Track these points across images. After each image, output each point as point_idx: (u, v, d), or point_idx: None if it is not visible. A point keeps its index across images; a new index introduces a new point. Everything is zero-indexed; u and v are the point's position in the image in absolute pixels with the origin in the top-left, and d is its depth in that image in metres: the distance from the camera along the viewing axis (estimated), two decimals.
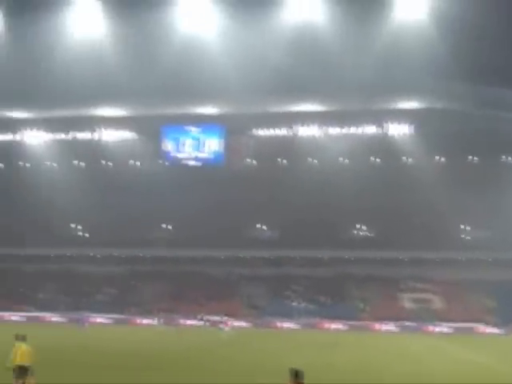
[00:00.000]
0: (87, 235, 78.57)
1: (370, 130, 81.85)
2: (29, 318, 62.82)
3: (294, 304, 66.81)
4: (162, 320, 60.58)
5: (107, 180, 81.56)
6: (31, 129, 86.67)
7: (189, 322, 62.00)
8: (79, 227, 79.64)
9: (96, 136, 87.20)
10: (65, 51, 71.64)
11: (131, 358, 30.24)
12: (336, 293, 67.75)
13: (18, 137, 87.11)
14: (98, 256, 74.52)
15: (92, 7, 72.92)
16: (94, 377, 22.45)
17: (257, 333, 53.54)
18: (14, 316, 63.57)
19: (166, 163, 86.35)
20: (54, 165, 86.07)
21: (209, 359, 30.56)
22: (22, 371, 15.44)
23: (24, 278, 72.25)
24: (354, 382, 22.34)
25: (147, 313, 64.17)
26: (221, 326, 48.51)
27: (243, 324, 61.39)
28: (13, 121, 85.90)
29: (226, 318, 50.58)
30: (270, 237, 75.03)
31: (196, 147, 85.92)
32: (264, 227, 77.05)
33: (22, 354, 15.62)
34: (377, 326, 61.86)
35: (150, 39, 72.36)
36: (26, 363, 15.51)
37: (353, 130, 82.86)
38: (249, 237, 74.64)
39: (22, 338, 16.07)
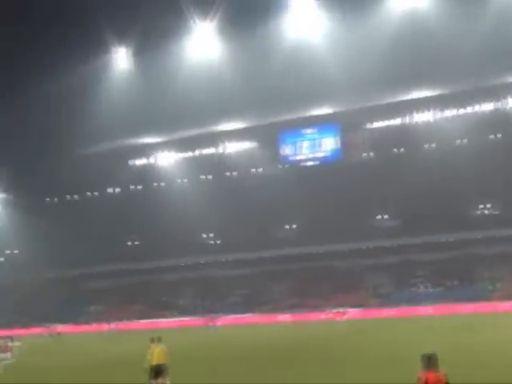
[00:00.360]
0: (218, 242, 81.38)
1: (487, 106, 77.20)
2: (172, 323, 65.93)
3: (421, 290, 64.44)
4: (290, 315, 61.32)
5: (233, 189, 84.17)
6: (162, 151, 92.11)
7: (316, 315, 61.86)
8: (211, 235, 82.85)
9: (220, 150, 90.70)
10: (185, 76, 75.89)
11: (261, 352, 31.05)
12: (463, 275, 64.15)
13: (151, 160, 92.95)
14: (230, 260, 76.79)
15: (206, 31, 76.78)
16: (223, 370, 23.87)
17: (385, 321, 51.77)
18: (159, 322, 66.88)
19: (286, 166, 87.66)
20: (185, 181, 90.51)
21: (342, 349, 30.02)
22: (158, 369, 16.64)
23: (166, 286, 76.49)
24: (493, 364, 20.69)
25: (277, 310, 65.05)
26: (337, 318, 47.68)
27: (370, 313, 60.20)
28: (145, 146, 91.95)
29: (341, 310, 49.65)
30: (391, 225, 72.87)
31: (313, 148, 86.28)
32: (385, 216, 75.02)
33: (158, 354, 16.84)
34: (509, 305, 57.61)
35: (261, 50, 74.39)
36: (161, 362, 16.74)
37: (469, 109, 78.76)
38: (371, 227, 73.04)
39: (157, 340, 17.34)
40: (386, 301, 63.59)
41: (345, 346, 31.40)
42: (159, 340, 17.42)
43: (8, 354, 29.89)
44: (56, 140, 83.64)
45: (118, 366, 28.43)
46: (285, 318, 62.00)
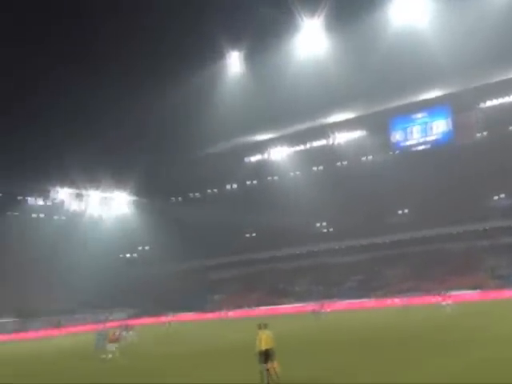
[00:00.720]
0: (332, 230, 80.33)
1: None
2: (288, 309, 65.83)
3: None
4: (404, 300, 58.89)
5: (344, 178, 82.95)
6: (275, 146, 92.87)
7: (430, 299, 58.97)
8: (324, 224, 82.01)
9: (330, 141, 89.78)
10: (294, 73, 76.10)
11: (370, 334, 30.32)
12: None
13: (265, 156, 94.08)
14: (343, 247, 75.50)
15: (313, 27, 76.47)
16: (328, 353, 23.85)
17: (505, 303, 47.78)
18: (276, 308, 67.04)
19: (396, 152, 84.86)
20: (297, 173, 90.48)
21: (460, 330, 28.67)
22: (267, 354, 16.95)
23: (282, 274, 76.86)
24: None
25: (391, 294, 62.85)
26: (443, 302, 44.82)
27: (488, 295, 56.43)
28: (259, 143, 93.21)
29: (446, 293, 46.69)
30: (509, 205, 67.73)
31: (424, 132, 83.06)
32: (502, 196, 69.91)
33: (265, 339, 17.16)
34: None
35: (368, 40, 72.51)
36: (269, 347, 17.03)
37: None
38: (487, 208, 68.39)
39: (263, 326, 17.62)
40: (506, 282, 59.11)
41: (464, 327, 29.73)
42: (265, 326, 17.56)
43: (117, 344, 31.13)
44: (178, 143, 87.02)
45: (235, 351, 28.14)
46: (398, 301, 59.59)
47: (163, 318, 59.01)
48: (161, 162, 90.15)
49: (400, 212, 76.38)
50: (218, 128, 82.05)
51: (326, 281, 71.28)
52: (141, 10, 74.65)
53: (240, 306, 69.92)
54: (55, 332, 67.29)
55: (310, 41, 78.72)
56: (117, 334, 32.74)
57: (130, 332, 40.02)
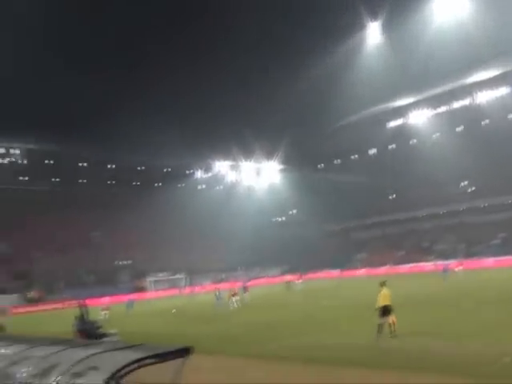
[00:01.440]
0: (474, 189, 74.39)
1: None
2: (431, 267, 62.48)
3: None
4: None
5: (488, 137, 76.11)
6: (417, 110, 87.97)
7: None
8: (466, 183, 76.24)
9: (473, 100, 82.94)
10: (433, 37, 71.65)
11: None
12: None
13: (405, 120, 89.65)
14: (488, 206, 69.64)
15: None
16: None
17: None
18: (418, 267, 64.10)
19: None
20: (439, 135, 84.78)
21: None
22: (385, 310, 17.04)
23: (425, 233, 72.98)
24: None
25: None
26: None
27: None
28: (401, 108, 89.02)
29: None
30: None
31: None
32: None
33: (383, 296, 17.27)
34: None
35: None
36: (387, 303, 17.10)
37: None
38: None
39: (383, 284, 17.69)
40: None
41: None
42: (384, 284, 17.41)
43: (237, 297, 35.50)
44: (322, 113, 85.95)
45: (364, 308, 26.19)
46: None
47: (287, 277, 57.74)
48: (307, 133, 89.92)
49: None
50: (359, 96, 79.72)
51: (470, 239, 66.23)
52: None
53: (383, 264, 67.84)
54: (218, 287, 70.72)
55: (450, 2, 73.14)
56: (235, 289, 36.73)
57: (246, 293, 40.00)
